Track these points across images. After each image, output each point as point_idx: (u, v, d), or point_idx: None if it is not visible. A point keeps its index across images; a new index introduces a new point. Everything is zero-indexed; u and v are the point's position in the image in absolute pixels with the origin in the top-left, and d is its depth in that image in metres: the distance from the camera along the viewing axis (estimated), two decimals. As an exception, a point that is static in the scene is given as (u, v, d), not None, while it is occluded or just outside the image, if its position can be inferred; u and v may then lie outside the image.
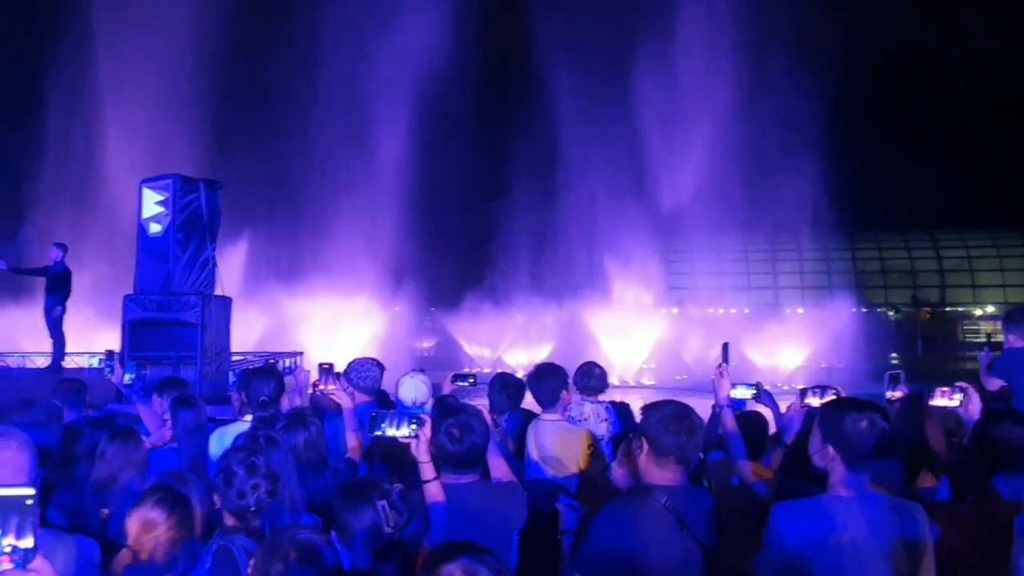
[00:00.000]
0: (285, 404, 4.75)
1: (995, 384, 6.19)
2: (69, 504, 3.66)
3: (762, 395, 4.50)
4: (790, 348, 27.30)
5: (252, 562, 2.61)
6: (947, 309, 47.58)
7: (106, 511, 3.58)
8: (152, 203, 10.07)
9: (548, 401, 4.81)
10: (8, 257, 13.83)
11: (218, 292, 10.36)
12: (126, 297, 9.90)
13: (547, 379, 4.85)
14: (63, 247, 12.29)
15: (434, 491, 3.20)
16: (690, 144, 31.79)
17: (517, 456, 4.80)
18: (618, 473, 3.68)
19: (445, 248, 35.18)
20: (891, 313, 45.81)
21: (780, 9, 29.77)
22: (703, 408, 3.55)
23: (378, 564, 2.73)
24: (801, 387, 4.30)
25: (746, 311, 35.56)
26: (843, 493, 2.82)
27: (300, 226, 28.26)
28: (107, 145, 24.98)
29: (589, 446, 4.71)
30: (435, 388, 5.30)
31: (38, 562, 1.39)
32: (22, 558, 1.37)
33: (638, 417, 3.34)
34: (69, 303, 12.36)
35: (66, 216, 22.91)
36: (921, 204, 43.07)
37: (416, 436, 3.24)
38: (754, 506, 3.56)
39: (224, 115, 25.91)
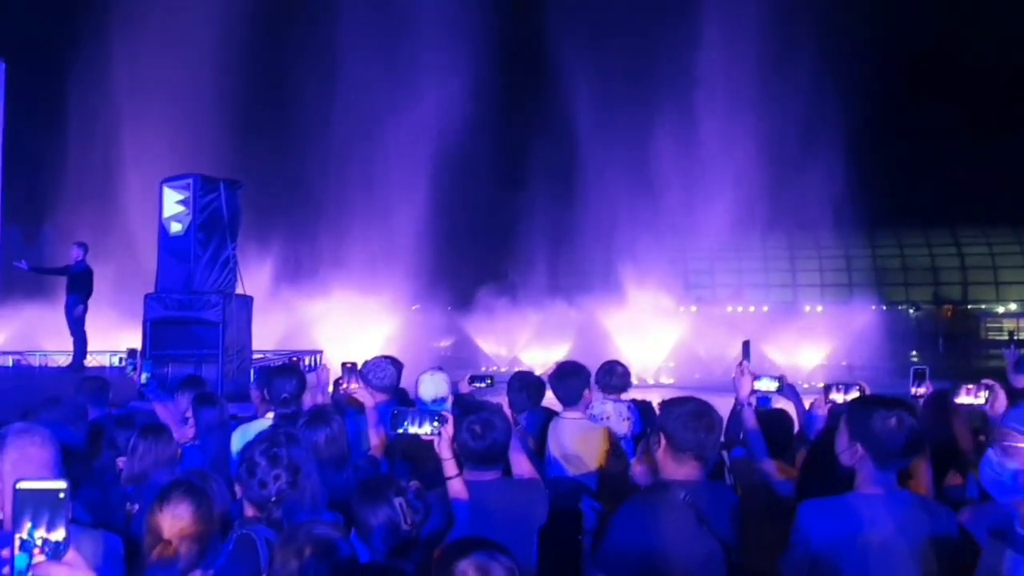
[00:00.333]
0: (307, 401, 4.76)
1: (1022, 381, 6.12)
2: (94, 500, 3.67)
3: (785, 388, 4.45)
4: (810, 347, 27.15)
5: (271, 554, 2.61)
6: (969, 307, 47.16)
7: (136, 506, 3.60)
8: (173, 202, 10.13)
9: (570, 400, 4.80)
10: (29, 257, 13.95)
11: (239, 291, 10.41)
12: (147, 296, 9.96)
13: (570, 378, 4.83)
14: (84, 246, 12.37)
15: (457, 488, 3.19)
16: (708, 143, 31.69)
17: (537, 454, 4.79)
18: (638, 470, 3.66)
19: (463, 247, 35.24)
20: (912, 311, 45.43)
21: (800, 8, 29.63)
22: (723, 407, 3.53)
23: (395, 561, 2.73)
24: (825, 384, 4.25)
25: (765, 309, 35.41)
26: (871, 491, 2.79)
27: (319, 225, 28.39)
28: (127, 145, 25.17)
29: (608, 444, 4.69)
30: (453, 387, 5.29)
31: (71, 555, 1.39)
32: (53, 550, 1.36)
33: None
34: (90, 302, 12.45)
35: (87, 215, 23.09)
36: (943, 200, 42.80)
37: (439, 433, 3.24)
38: (778, 505, 3.53)
39: (244, 115, 26.09)
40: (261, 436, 3.21)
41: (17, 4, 26.88)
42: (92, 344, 12.87)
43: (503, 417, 3.41)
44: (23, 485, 1.38)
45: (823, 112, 28.95)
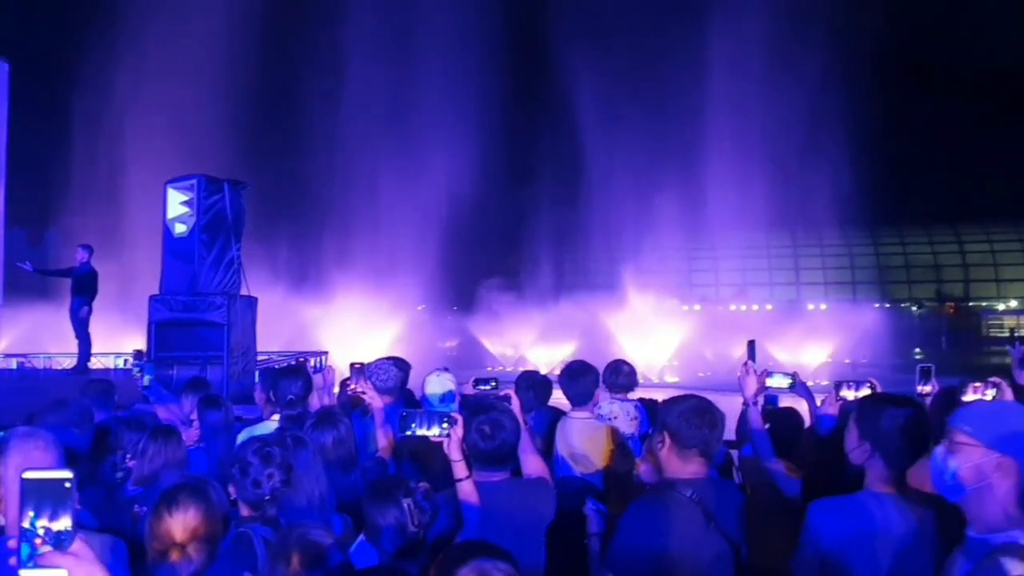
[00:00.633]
0: (314, 403, 4.75)
1: (1028, 378, 6.10)
2: (99, 503, 3.67)
3: (798, 385, 4.42)
4: (813, 344, 27.16)
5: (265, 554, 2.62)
6: (971, 304, 47.18)
7: (143, 509, 3.59)
8: (177, 203, 10.13)
9: (581, 399, 4.79)
10: (34, 259, 13.96)
11: (243, 292, 10.40)
12: (152, 298, 9.96)
13: (579, 377, 4.82)
14: (89, 248, 12.38)
15: (467, 490, 3.17)
16: (712, 143, 31.69)
17: (544, 454, 4.78)
18: (643, 469, 3.66)
19: (469, 248, 35.23)
20: (915, 308, 45.43)
21: (804, 7, 29.62)
22: (728, 406, 3.51)
23: (401, 563, 2.72)
24: (835, 381, 4.22)
25: (769, 308, 35.41)
26: (881, 490, 2.77)
27: (325, 226, 28.41)
28: (132, 146, 25.18)
29: (614, 443, 4.68)
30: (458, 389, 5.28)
31: (78, 545, 1.39)
32: (55, 539, 1.36)
33: (663, 413, 3.30)
34: (95, 304, 12.46)
35: (91, 217, 23.12)
36: (944, 198, 42.75)
37: (448, 435, 3.23)
38: (786, 504, 3.52)
39: (249, 116, 26.10)
40: (259, 436, 3.21)
41: (21, 6, 26.94)
42: (97, 346, 12.88)
43: (512, 417, 3.40)
44: (29, 475, 1.39)
45: (826, 111, 28.95)
